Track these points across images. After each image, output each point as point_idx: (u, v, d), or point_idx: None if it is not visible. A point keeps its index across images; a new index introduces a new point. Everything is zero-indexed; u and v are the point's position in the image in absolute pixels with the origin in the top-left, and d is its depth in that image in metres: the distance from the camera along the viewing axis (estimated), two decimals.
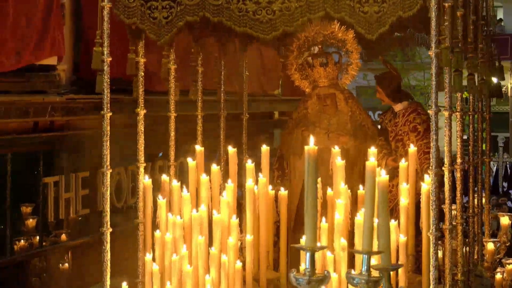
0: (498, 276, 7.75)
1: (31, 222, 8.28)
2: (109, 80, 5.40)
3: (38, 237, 8.31)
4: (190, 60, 6.62)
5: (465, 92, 6.39)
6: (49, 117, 8.06)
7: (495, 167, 21.42)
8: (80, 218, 8.93)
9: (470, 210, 6.72)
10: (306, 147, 3.38)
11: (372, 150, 5.89)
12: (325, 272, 3.37)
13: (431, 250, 4.93)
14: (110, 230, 5.41)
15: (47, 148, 8.21)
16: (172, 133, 6.40)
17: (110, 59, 5.35)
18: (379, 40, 7.22)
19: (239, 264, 5.51)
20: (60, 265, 8.39)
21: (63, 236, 8.59)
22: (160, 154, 9.56)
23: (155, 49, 6.19)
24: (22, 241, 8.17)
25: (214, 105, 7.02)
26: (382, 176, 3.65)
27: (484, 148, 7.39)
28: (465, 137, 6.99)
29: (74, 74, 8.56)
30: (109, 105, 5.40)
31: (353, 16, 4.89)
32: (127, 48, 5.92)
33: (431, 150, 5.00)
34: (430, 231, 4.87)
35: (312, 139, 3.38)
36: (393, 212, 6.27)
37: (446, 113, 5.24)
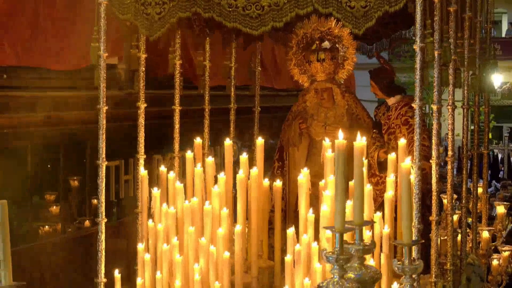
0: (495, 262, 7.52)
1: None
2: (105, 75, 5.22)
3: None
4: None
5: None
6: (111, 109, 8.40)
7: (499, 155, 21.52)
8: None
9: (463, 201, 6.48)
10: (336, 141, 3.26)
11: (363, 142, 5.66)
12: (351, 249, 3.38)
13: None
14: (105, 220, 5.23)
15: (109, 136, 8.61)
16: (177, 126, 6.28)
17: (106, 54, 5.15)
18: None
19: (227, 254, 5.29)
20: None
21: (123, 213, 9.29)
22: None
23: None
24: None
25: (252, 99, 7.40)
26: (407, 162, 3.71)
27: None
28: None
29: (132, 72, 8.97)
30: (104, 99, 5.21)
31: (340, 11, 4.68)
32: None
33: (415, 144, 4.80)
34: (413, 224, 4.64)
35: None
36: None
37: (434, 107, 5.06)
